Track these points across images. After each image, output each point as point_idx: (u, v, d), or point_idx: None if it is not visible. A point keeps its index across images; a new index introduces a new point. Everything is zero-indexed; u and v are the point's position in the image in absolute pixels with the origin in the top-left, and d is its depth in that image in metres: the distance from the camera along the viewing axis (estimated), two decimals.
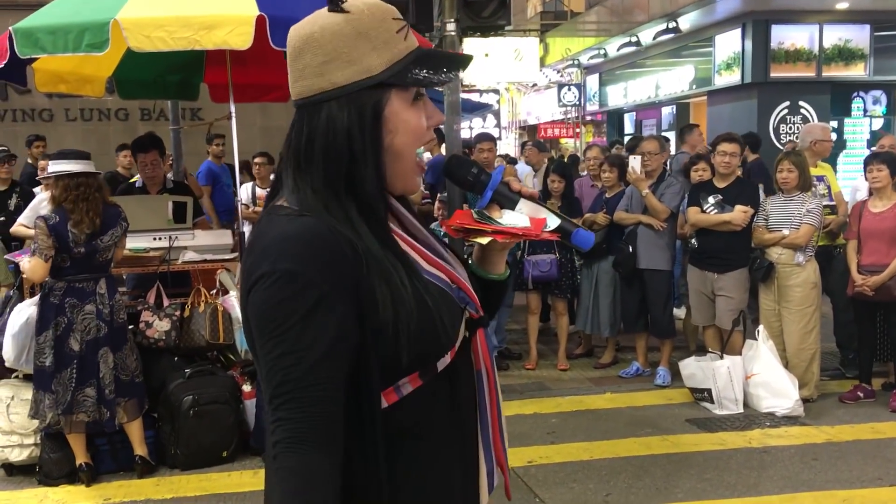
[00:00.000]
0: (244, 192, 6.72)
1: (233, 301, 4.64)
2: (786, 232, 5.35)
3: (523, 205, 1.34)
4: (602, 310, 6.41)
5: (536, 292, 6.56)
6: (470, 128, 22.89)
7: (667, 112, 17.10)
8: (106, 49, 4.06)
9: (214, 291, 4.75)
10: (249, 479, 4.37)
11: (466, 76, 19.10)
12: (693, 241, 5.83)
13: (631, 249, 6.04)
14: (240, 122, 5.30)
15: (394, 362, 1.17)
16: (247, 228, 6.75)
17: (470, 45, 18.19)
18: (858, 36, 12.19)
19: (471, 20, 6.09)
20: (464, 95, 20.69)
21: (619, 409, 5.50)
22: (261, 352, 1.11)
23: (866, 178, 5.41)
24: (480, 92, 25.35)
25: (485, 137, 6.96)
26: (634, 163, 6.03)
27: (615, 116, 19.59)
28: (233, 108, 5.23)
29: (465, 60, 1.28)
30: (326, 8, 1.19)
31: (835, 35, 12.38)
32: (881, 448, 4.60)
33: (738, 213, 5.48)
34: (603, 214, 6.32)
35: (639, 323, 6.24)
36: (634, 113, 18.74)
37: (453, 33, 6.11)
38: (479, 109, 12.84)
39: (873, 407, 5.32)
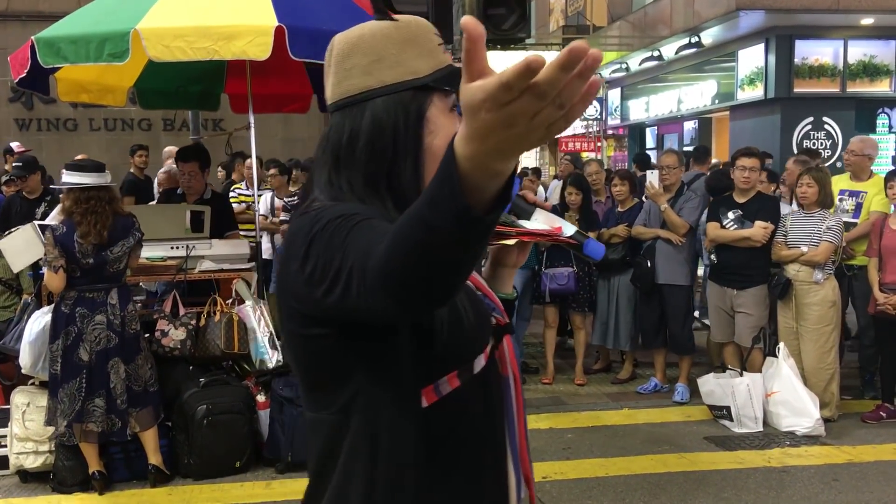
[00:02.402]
0: (262, 202, 6.74)
1: (248, 311, 4.64)
2: (804, 249, 5.27)
3: (539, 215, 1.38)
4: (621, 325, 6.35)
5: (554, 306, 6.51)
6: None
7: (689, 127, 17.00)
8: (126, 59, 4.10)
9: (230, 301, 4.75)
10: (262, 490, 4.36)
11: None
12: (712, 256, 5.76)
13: (649, 264, 5.99)
14: (261, 133, 5.33)
15: (432, 356, 1.19)
16: (265, 238, 6.81)
17: (492, 58, 18.25)
18: (883, 52, 12.06)
19: (491, 32, 6.07)
20: None
21: (636, 425, 5.43)
22: (344, 279, 1.05)
23: (887, 195, 5.32)
24: None
25: None
26: (652, 177, 5.99)
27: (637, 130, 19.51)
28: (252, 119, 5.25)
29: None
30: (375, 16, 1.26)
31: (860, 51, 12.26)
32: None
33: (758, 229, 5.41)
34: (624, 227, 6.27)
35: (657, 338, 6.18)
36: (656, 127, 18.65)
37: None
38: None
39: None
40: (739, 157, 5.57)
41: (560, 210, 6.43)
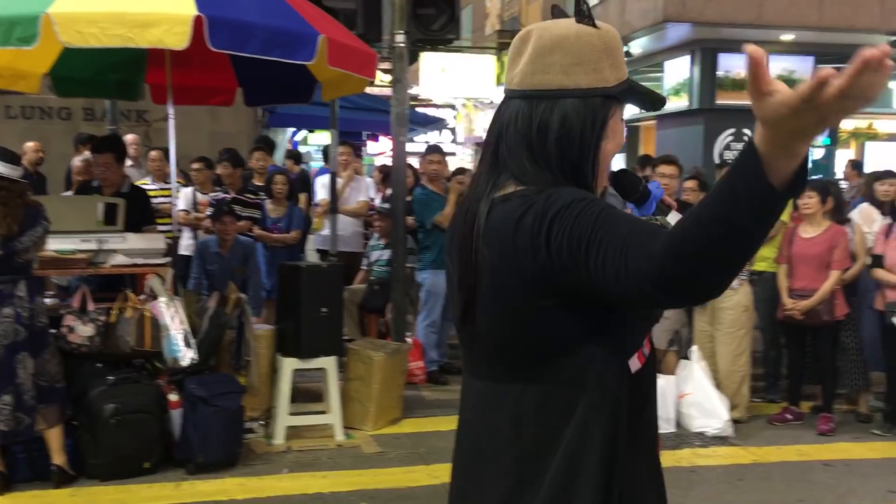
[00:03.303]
0: (183, 197, 6.58)
1: (162, 307, 4.52)
2: None
3: (672, 216, 1.54)
4: None
5: None
6: (426, 142, 22.91)
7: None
8: (35, 44, 3.93)
9: (143, 297, 4.62)
10: (171, 491, 4.25)
11: (423, 90, 19.15)
12: None
13: None
14: (188, 126, 5.21)
15: (626, 333, 1.34)
16: (186, 234, 6.66)
17: (427, 60, 18.28)
18: (802, 67, 12.52)
19: (420, 33, 6.09)
20: (419, 109, 20.75)
21: None
22: (595, 251, 1.17)
23: (795, 206, 5.51)
24: (437, 107, 25.42)
25: (435, 150, 6.96)
26: None
27: None
28: (171, 110, 5.12)
29: (662, 101, 1.48)
30: (575, 18, 1.35)
31: (780, 66, 12.69)
32: (805, 470, 4.67)
33: None
34: None
35: None
36: None
37: (403, 45, 6.11)
38: (431, 123, 12.85)
39: (800, 429, 5.40)
40: (659, 165, 5.70)
41: None
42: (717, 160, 12.38)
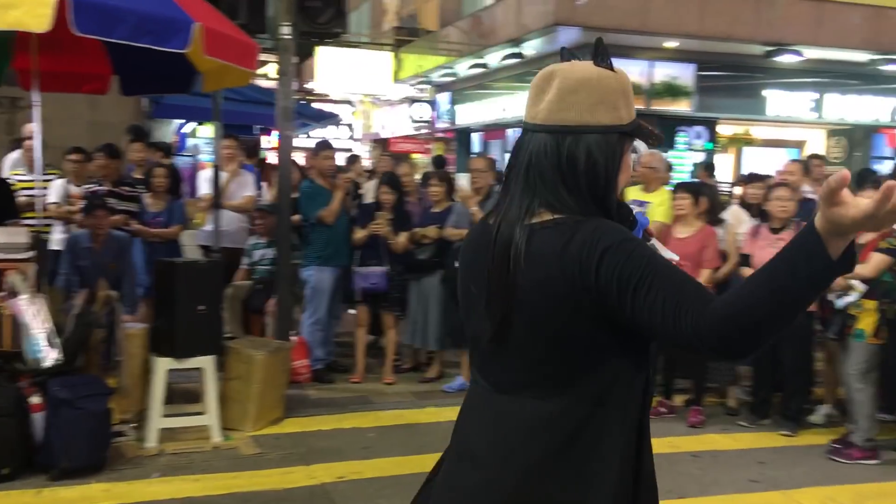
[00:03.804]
0: (54, 189, 6.23)
1: (22, 305, 4.27)
2: None
3: (653, 243, 1.61)
4: (430, 324, 6.43)
5: (365, 305, 6.50)
6: (324, 137, 22.58)
7: (511, 134, 17.63)
8: None
9: (2, 294, 4.35)
10: (31, 498, 4.01)
11: (318, 85, 18.90)
12: None
13: (457, 265, 6.10)
14: (64, 115, 4.93)
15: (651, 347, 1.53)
16: (58, 228, 6.31)
17: (324, 54, 18.06)
18: (684, 74, 13.07)
19: (307, 25, 5.98)
20: (315, 105, 20.47)
21: (438, 423, 5.50)
22: (644, 293, 1.33)
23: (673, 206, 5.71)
24: (335, 102, 25.15)
25: (326, 146, 6.86)
26: (463, 181, 6.12)
27: (464, 135, 19.99)
28: (37, 97, 4.85)
29: (661, 139, 1.65)
30: (594, 62, 1.49)
31: (663, 72, 13.21)
32: (674, 462, 4.84)
33: None
34: (435, 228, 6.36)
35: (465, 337, 6.29)
36: (482, 133, 19.19)
37: (288, 37, 5.98)
38: (325, 119, 12.67)
39: (673, 422, 5.62)
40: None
41: (374, 209, 6.44)
42: None
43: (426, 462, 4.68)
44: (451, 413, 5.59)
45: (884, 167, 13.94)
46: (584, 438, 1.42)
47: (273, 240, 6.45)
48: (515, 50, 13.28)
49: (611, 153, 1.46)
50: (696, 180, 8.58)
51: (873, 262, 4.83)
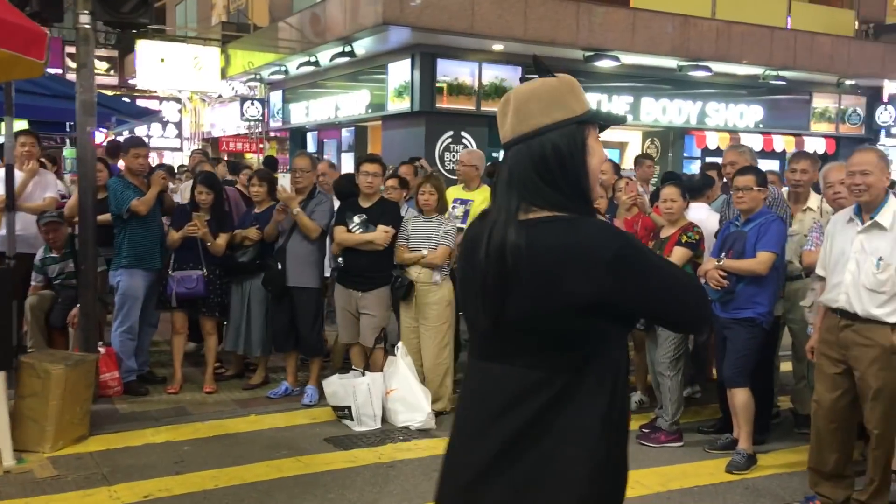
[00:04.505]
0: None
1: None
2: (425, 252, 5.58)
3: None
4: (253, 329, 6.20)
5: (182, 311, 6.17)
6: (148, 135, 21.45)
7: (346, 133, 17.49)
8: None
9: None
10: None
11: (141, 81, 17.90)
12: (340, 259, 5.86)
13: (280, 267, 5.93)
14: None
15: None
16: None
17: (146, 48, 17.12)
18: (512, 76, 13.44)
19: (108, 14, 5.58)
20: (141, 102, 19.38)
21: (259, 431, 5.31)
22: (654, 288, 1.63)
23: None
24: (161, 99, 23.91)
25: (136, 143, 6.43)
26: (284, 181, 5.94)
27: (298, 134, 19.61)
28: None
29: (623, 119, 1.97)
30: (538, 76, 1.69)
31: (492, 73, 13.53)
32: None
33: (381, 233, 5.61)
34: (255, 230, 6.14)
35: (288, 341, 6.12)
36: (317, 132, 18.90)
37: (87, 26, 5.56)
38: (145, 115, 11.98)
39: None
40: (363, 164, 5.73)
41: (190, 210, 6.12)
42: (437, 161, 12.90)
43: (243, 473, 4.54)
44: (273, 420, 5.47)
45: (694, 166, 15.00)
46: (566, 402, 1.59)
47: (67, 251, 5.99)
48: (347, 48, 13.15)
49: (573, 141, 1.65)
50: None
51: (675, 256, 5.12)
